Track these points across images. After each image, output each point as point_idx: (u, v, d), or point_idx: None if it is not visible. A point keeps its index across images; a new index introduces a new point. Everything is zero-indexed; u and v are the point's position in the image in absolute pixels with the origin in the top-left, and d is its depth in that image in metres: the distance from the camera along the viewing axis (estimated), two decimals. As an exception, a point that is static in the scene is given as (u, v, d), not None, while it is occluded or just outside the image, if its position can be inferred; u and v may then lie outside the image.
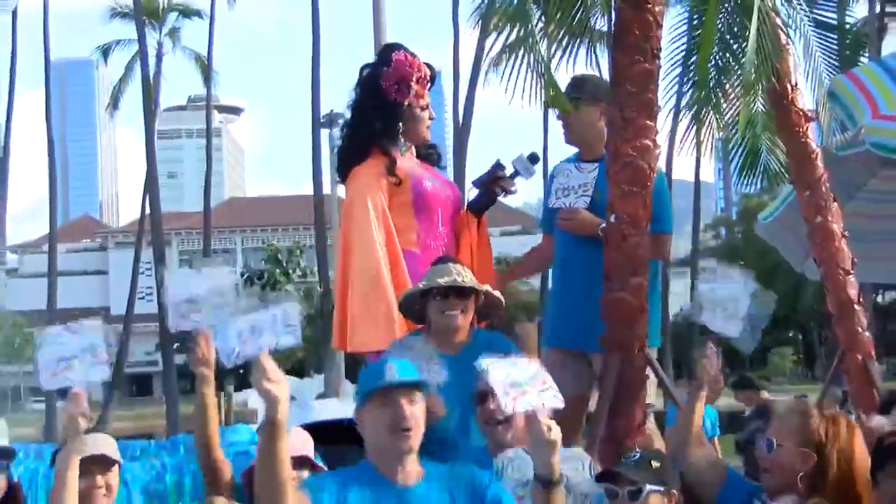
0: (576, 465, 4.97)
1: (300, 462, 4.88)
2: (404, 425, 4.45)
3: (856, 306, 8.35)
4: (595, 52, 7.67)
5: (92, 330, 5.03)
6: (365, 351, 6.37)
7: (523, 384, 4.39)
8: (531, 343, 6.46)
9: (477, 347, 5.37)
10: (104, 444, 5.18)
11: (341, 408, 5.65)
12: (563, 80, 7.21)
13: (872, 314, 8.66)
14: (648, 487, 4.76)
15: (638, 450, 5.02)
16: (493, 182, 6.87)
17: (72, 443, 4.89)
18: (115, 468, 5.22)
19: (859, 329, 8.30)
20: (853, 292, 8.34)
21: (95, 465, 5.09)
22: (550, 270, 7.45)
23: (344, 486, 4.51)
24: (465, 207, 6.92)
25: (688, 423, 5.43)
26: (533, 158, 6.97)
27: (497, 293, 5.98)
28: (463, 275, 5.78)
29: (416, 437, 4.48)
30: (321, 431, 5.23)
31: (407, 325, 6.16)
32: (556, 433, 4.27)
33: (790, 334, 67.73)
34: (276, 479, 4.10)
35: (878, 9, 43.47)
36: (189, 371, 5.07)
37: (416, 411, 4.48)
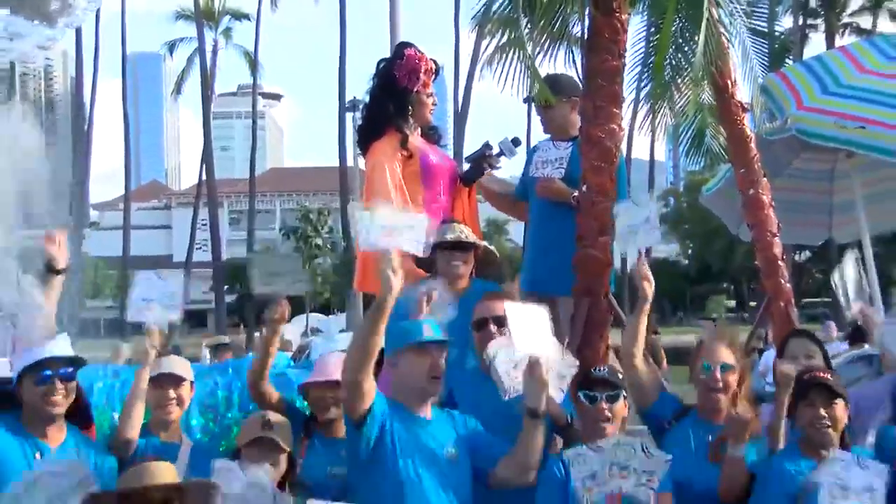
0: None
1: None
2: (437, 374, 4.58)
3: (780, 262, 8.39)
4: (572, 53, 7.70)
5: (175, 280, 5.05)
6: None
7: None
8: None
9: (475, 292, 5.50)
10: (176, 365, 5.18)
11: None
12: (544, 74, 7.23)
13: (792, 269, 8.65)
14: (621, 392, 4.82)
15: (605, 366, 5.02)
16: (482, 159, 6.89)
17: (143, 364, 4.93)
18: (186, 384, 5.22)
19: (782, 281, 8.34)
20: (778, 251, 8.38)
21: (168, 380, 5.10)
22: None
23: (390, 409, 4.57)
24: (459, 179, 6.91)
25: (634, 333, 5.31)
26: (515, 142, 6.99)
27: (492, 248, 6.10)
28: (466, 233, 5.89)
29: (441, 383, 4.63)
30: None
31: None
32: (546, 375, 4.36)
33: (724, 285, 67.82)
34: (370, 347, 4.32)
35: (800, 21, 43.55)
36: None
37: (443, 363, 4.60)
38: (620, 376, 4.98)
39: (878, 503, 4.49)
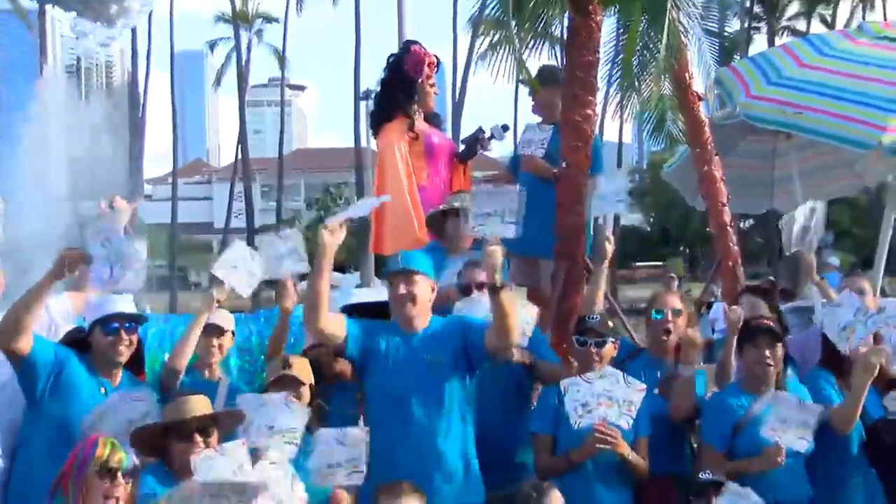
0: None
1: None
2: (399, 299, 4.56)
3: (728, 228, 8.40)
4: (554, 49, 7.67)
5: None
6: (391, 253, 6.40)
7: None
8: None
9: (475, 253, 5.39)
10: (219, 317, 5.19)
11: (372, 294, 5.68)
12: (531, 68, 7.22)
13: (738, 235, 8.64)
14: (609, 338, 4.82)
15: (597, 314, 5.02)
16: (476, 142, 6.89)
17: (207, 311, 4.96)
18: (228, 334, 5.25)
19: (731, 244, 8.34)
20: (727, 219, 8.39)
21: (213, 330, 5.13)
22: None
23: (374, 330, 4.61)
24: (456, 157, 6.89)
25: (595, 288, 5.57)
26: (504, 128, 6.99)
27: None
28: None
29: (411, 306, 4.55)
30: (361, 309, 5.24)
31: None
32: (499, 254, 4.30)
33: (681, 248, 67.77)
34: (313, 298, 4.33)
35: (746, 24, 43.58)
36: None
37: (412, 289, 4.54)
38: (610, 324, 4.99)
39: (809, 437, 4.55)
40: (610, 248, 5.61)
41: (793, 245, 6.25)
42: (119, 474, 3.59)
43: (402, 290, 4.54)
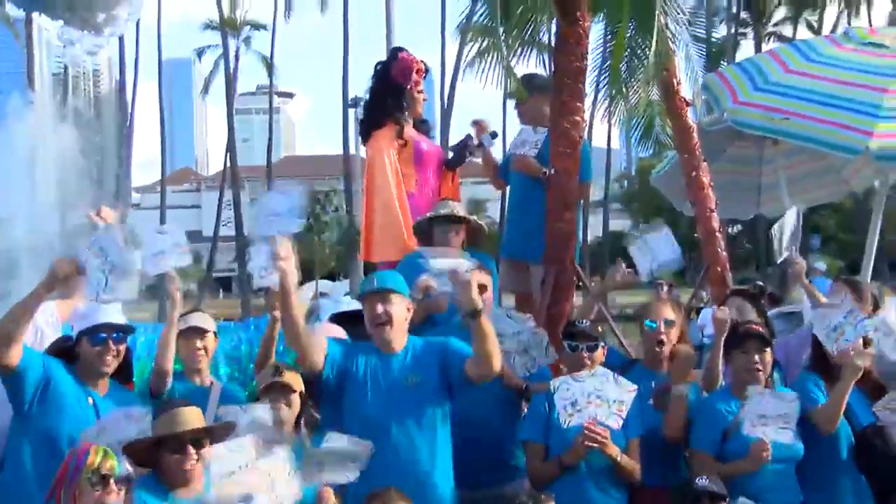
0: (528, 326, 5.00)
1: None
2: (375, 321, 4.48)
3: (717, 234, 8.39)
4: (542, 56, 7.66)
5: (176, 231, 4.97)
6: (380, 260, 6.39)
7: None
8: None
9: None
10: (200, 319, 5.15)
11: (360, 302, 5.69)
12: (520, 75, 7.22)
13: (726, 240, 8.64)
14: (599, 343, 4.83)
15: (587, 320, 5.01)
16: (464, 149, 6.86)
17: (173, 306, 4.96)
18: (210, 335, 5.18)
19: (719, 250, 8.34)
20: (715, 224, 8.39)
21: (194, 333, 5.08)
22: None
23: (355, 350, 4.55)
24: (445, 164, 6.87)
25: (591, 304, 5.73)
26: (493, 135, 6.96)
27: (481, 222, 6.09)
28: (458, 208, 5.90)
29: (388, 327, 4.47)
30: (348, 317, 5.22)
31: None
32: (467, 276, 4.28)
33: (669, 254, 67.77)
34: (288, 325, 4.33)
35: (733, 30, 43.77)
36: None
37: (389, 308, 4.46)
38: (600, 329, 4.98)
39: (791, 426, 4.56)
40: (618, 279, 5.73)
41: (783, 250, 6.26)
42: (111, 481, 3.57)
43: (379, 309, 4.46)
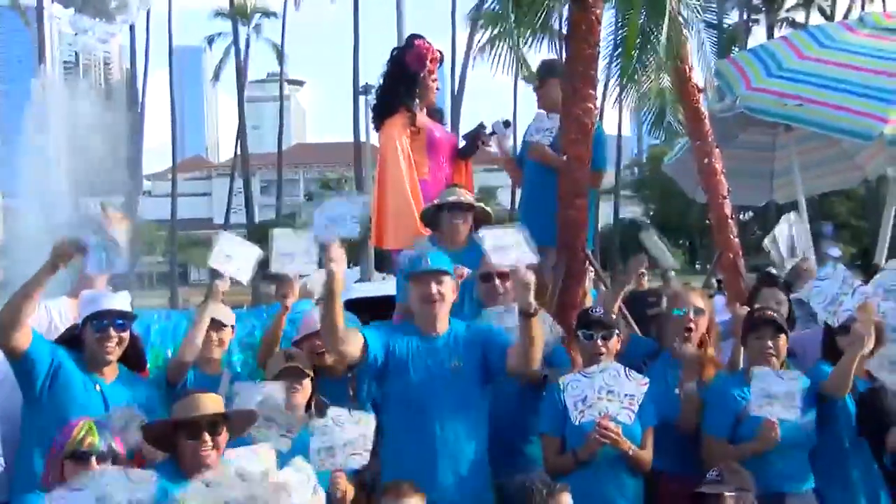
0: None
1: None
2: (427, 299, 4.53)
3: (729, 221, 8.32)
4: (554, 43, 7.62)
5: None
6: (392, 248, 6.39)
7: None
8: None
9: (473, 248, 5.35)
10: (219, 312, 5.18)
11: (371, 289, 5.67)
12: (531, 62, 7.19)
13: (738, 227, 8.61)
14: (615, 331, 4.82)
15: (601, 309, 5.00)
16: (476, 137, 6.83)
17: (213, 300, 5.02)
18: (227, 328, 5.24)
19: (731, 236, 8.25)
20: (728, 211, 8.29)
21: (212, 325, 5.12)
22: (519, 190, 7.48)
23: (392, 334, 4.59)
24: (457, 154, 6.86)
25: (614, 296, 5.50)
26: (506, 123, 6.91)
27: (488, 209, 6.03)
28: (465, 195, 5.86)
29: (440, 306, 4.55)
30: (360, 304, 5.24)
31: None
32: (530, 276, 4.31)
33: (681, 241, 67.71)
34: (328, 316, 4.29)
35: (745, 16, 43.57)
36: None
37: (441, 289, 4.54)
38: (614, 317, 4.97)
39: (796, 403, 4.55)
40: (633, 277, 5.79)
41: (786, 261, 6.24)
42: (92, 458, 3.64)
43: (434, 289, 4.53)
